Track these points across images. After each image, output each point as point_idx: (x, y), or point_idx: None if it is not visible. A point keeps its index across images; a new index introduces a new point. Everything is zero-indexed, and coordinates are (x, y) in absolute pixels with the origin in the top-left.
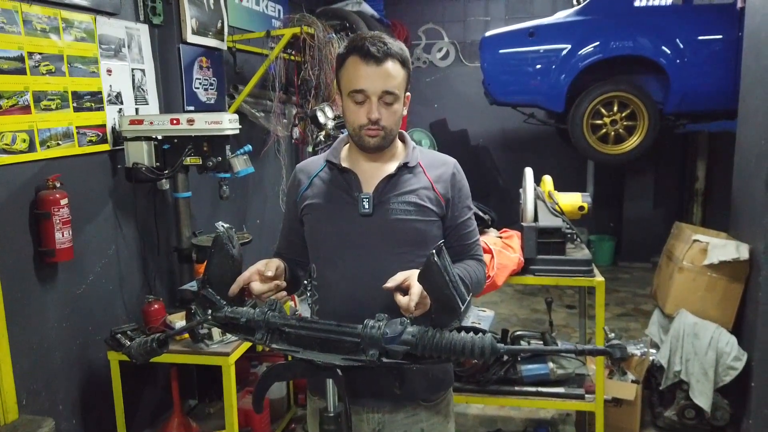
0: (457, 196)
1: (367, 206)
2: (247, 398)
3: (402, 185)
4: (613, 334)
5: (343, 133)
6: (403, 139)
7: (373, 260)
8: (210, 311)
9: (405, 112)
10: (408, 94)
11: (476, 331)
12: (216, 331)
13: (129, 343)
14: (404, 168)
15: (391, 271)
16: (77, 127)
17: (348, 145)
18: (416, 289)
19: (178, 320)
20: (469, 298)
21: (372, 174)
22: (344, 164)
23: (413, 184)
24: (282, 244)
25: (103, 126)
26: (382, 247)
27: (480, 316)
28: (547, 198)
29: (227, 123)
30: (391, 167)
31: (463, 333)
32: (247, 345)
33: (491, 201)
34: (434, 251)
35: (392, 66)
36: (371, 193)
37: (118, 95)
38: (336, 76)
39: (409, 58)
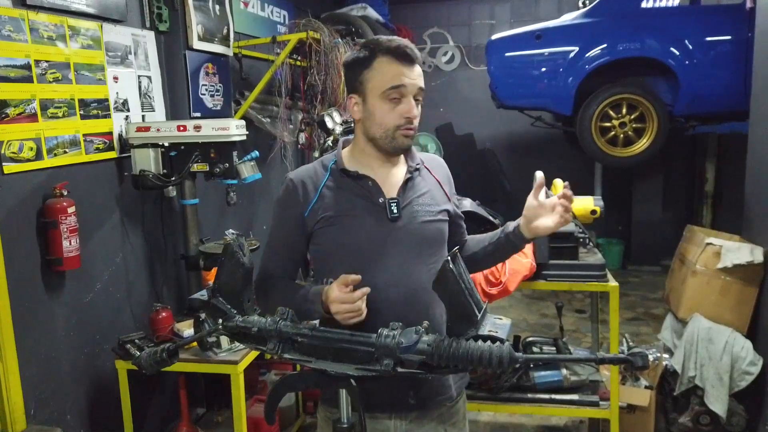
0: (452, 192)
1: (396, 211)
2: (255, 406)
3: (418, 187)
4: (633, 342)
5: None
6: None
7: (402, 265)
8: (221, 320)
9: None
10: None
11: (493, 339)
12: (224, 340)
13: (138, 352)
14: (415, 170)
15: (419, 275)
16: (84, 135)
17: (349, 150)
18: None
19: (186, 328)
20: (485, 306)
21: (387, 179)
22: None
23: (427, 186)
24: (277, 263)
25: (110, 133)
26: (411, 251)
27: (497, 324)
28: None
29: (234, 129)
30: (401, 170)
31: (479, 342)
32: (255, 353)
33: (498, 205)
34: (449, 258)
35: (419, 69)
36: (397, 197)
37: (125, 102)
38: (353, 77)
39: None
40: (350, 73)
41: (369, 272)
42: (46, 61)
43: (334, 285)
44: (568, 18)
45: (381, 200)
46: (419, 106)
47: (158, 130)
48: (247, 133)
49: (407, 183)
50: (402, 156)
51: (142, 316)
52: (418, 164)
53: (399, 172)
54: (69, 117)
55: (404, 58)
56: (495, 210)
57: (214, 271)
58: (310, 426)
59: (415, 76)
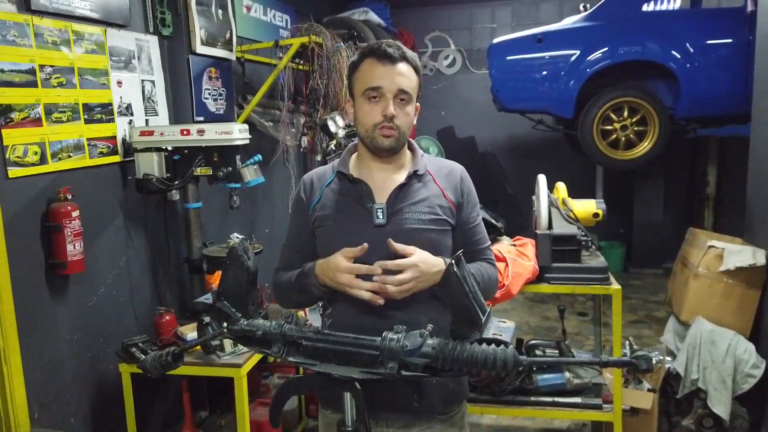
0: (466, 201)
1: (381, 217)
2: (258, 410)
3: (414, 194)
4: (636, 345)
5: (352, 142)
6: (411, 148)
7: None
8: (225, 324)
9: (415, 121)
10: (418, 104)
11: (497, 342)
12: (228, 343)
13: (142, 355)
14: (414, 176)
15: None
16: (88, 139)
17: (356, 154)
18: (407, 274)
19: (190, 331)
20: (489, 309)
21: (383, 184)
22: (354, 174)
23: (424, 193)
24: (291, 258)
25: (114, 137)
26: (394, 258)
27: (501, 327)
28: (561, 205)
29: (237, 133)
30: (402, 176)
31: (484, 345)
32: (258, 356)
33: (500, 208)
34: (453, 261)
35: (406, 68)
36: (385, 204)
37: (129, 107)
38: (348, 82)
39: (420, 67)
40: (348, 78)
41: None
42: (51, 66)
43: (338, 256)
44: (569, 21)
45: (369, 205)
46: (409, 107)
47: (162, 134)
48: (250, 137)
49: (402, 189)
50: (405, 161)
51: (145, 320)
52: (417, 170)
53: (398, 177)
54: (73, 121)
55: (384, 57)
56: (497, 213)
57: (216, 274)
58: (313, 429)
59: (395, 75)
